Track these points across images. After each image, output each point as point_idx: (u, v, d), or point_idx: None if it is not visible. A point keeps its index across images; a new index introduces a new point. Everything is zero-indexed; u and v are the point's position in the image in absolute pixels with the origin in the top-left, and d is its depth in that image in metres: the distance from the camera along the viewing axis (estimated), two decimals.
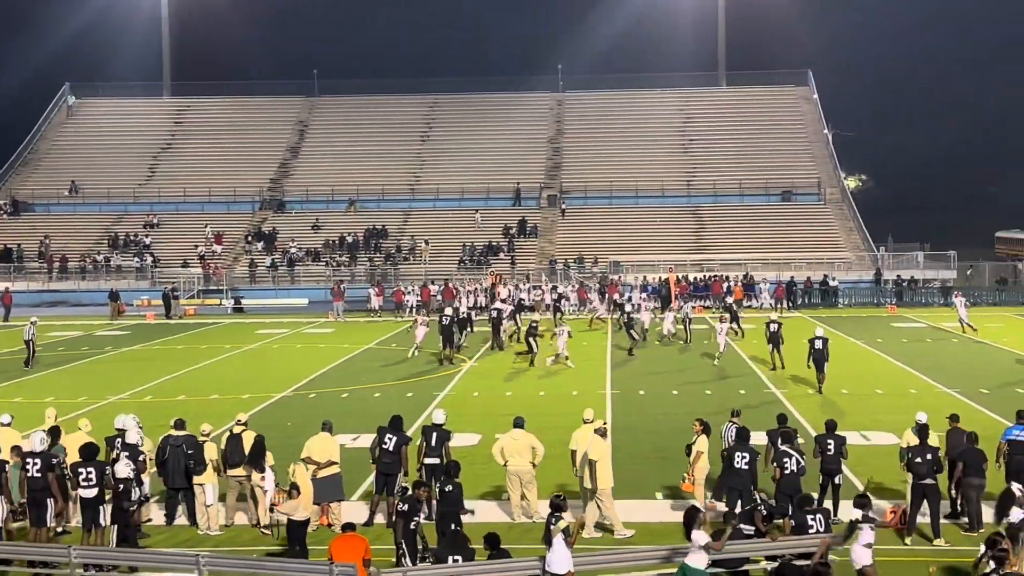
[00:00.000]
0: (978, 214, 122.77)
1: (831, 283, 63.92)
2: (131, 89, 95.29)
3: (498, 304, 49.83)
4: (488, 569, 15.31)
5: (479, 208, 78.96)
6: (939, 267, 71.07)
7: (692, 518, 15.30)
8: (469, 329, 45.72)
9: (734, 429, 20.62)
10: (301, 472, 18.98)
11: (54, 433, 20.14)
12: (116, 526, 18.22)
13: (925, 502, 18.98)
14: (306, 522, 17.86)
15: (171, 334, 52.71)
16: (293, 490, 17.75)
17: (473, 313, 48.88)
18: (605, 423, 20.65)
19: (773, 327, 38.51)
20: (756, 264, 68.27)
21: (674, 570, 15.93)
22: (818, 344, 34.05)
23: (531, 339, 40.68)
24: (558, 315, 53.28)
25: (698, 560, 14.97)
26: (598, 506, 19.59)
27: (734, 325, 45.72)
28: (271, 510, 19.80)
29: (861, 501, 15.99)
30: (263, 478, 20.06)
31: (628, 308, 47.28)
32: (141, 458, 19.37)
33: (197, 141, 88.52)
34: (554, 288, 59.09)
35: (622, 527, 19.50)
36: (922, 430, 19.58)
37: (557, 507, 16.04)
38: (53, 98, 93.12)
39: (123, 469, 18.21)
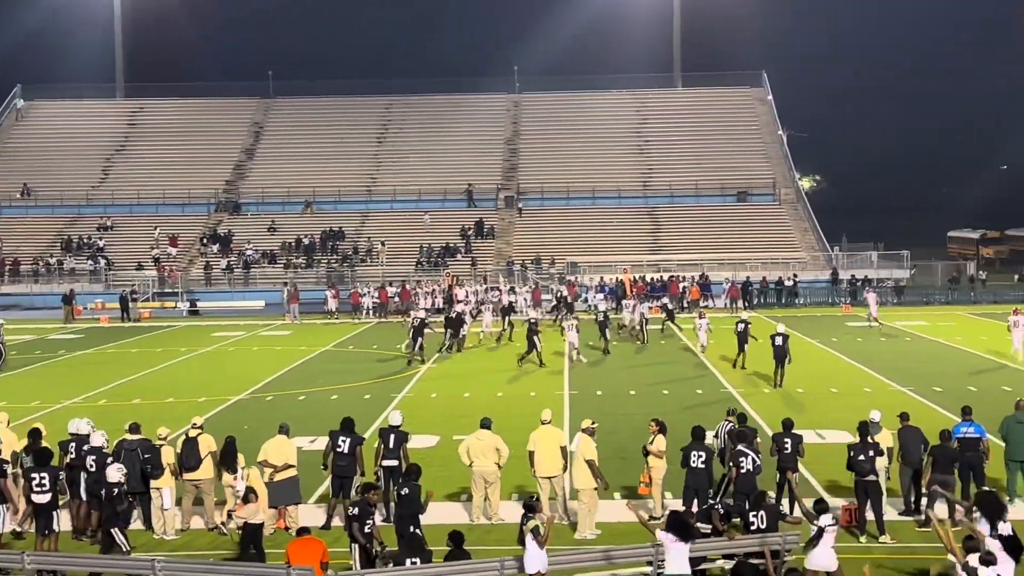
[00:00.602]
0: (930, 214, 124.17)
1: (789, 282, 64.32)
2: (83, 91, 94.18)
3: (459, 306, 49.98)
4: (446, 571, 15.28)
5: (436, 209, 78.73)
6: (892, 266, 71.51)
7: (687, 526, 15.20)
8: (464, 330, 45.67)
9: (730, 427, 20.87)
10: (256, 476, 18.92)
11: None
12: (111, 530, 18.04)
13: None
14: (262, 525, 17.83)
15: (125, 337, 52.24)
16: (250, 494, 17.66)
17: (466, 313, 48.96)
18: (594, 423, 20.74)
19: (741, 326, 38.91)
20: (712, 264, 68.47)
21: (647, 570, 16.06)
22: (779, 340, 34.64)
23: (534, 337, 40.63)
24: (563, 312, 52.90)
25: (683, 566, 15.05)
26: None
27: (669, 323, 48.09)
28: (229, 516, 19.78)
29: (821, 507, 16.05)
30: (235, 479, 20.04)
31: (603, 307, 47.45)
32: (110, 461, 19.27)
33: (151, 143, 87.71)
34: (509, 289, 59.31)
35: (593, 528, 19.65)
36: (862, 427, 19.82)
37: (530, 508, 16.08)
38: (4, 100, 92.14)
39: (114, 474, 18.18)
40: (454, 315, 46.09)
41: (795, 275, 66.15)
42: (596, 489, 19.77)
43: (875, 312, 51.37)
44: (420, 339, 41.17)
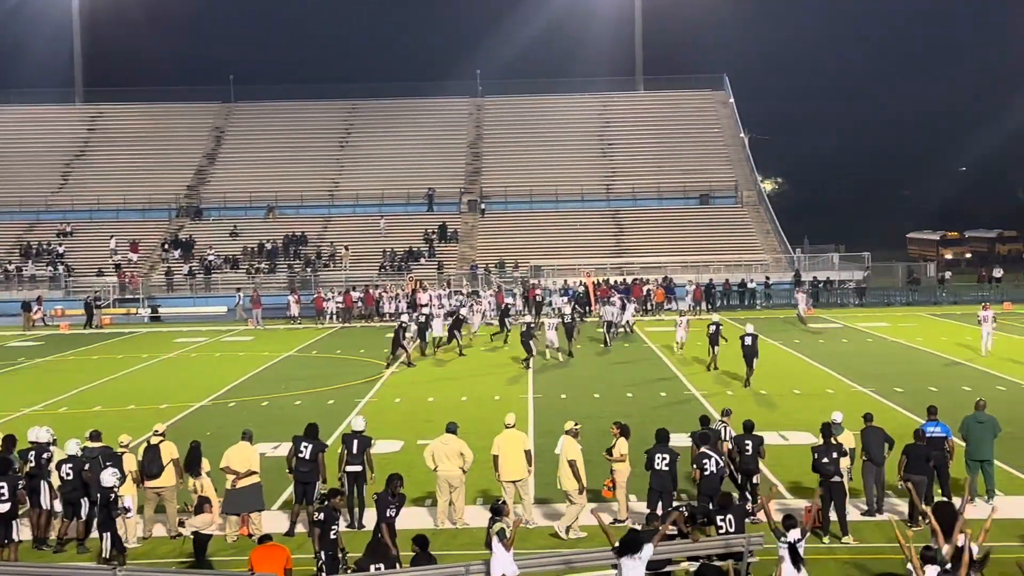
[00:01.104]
0: (891, 215, 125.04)
1: (751, 284, 64.63)
2: (42, 96, 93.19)
3: (427, 310, 50.06)
4: None
5: (399, 213, 78.73)
6: (853, 268, 72.04)
7: (636, 544, 15.01)
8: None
9: (725, 429, 21.06)
10: (209, 485, 18.82)
11: None
12: (107, 534, 18.09)
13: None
14: (211, 537, 17.74)
15: (86, 344, 51.84)
16: (204, 504, 17.55)
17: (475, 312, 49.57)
18: (578, 424, 20.79)
19: (712, 328, 39.23)
20: (675, 267, 68.51)
21: (611, 573, 16.09)
22: (748, 340, 35.18)
23: (529, 342, 40.86)
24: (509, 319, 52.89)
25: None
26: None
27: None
28: (181, 524, 19.74)
29: (790, 522, 15.68)
30: (200, 484, 19.97)
31: (567, 311, 47.45)
32: (87, 466, 19.36)
33: (111, 148, 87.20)
34: (470, 293, 59.31)
35: (576, 530, 19.64)
36: (826, 429, 19.98)
37: (496, 511, 16.06)
38: None
39: (109, 478, 18.19)
40: (422, 319, 46.26)
41: (767, 278, 66.71)
42: (583, 488, 19.82)
43: (803, 311, 52.54)
44: (421, 340, 41.70)
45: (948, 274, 72.75)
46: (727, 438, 21.00)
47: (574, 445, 19.99)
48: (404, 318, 46.41)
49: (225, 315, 64.01)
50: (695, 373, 38.15)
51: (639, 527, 16.78)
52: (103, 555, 18.16)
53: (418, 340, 44.63)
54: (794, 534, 15.03)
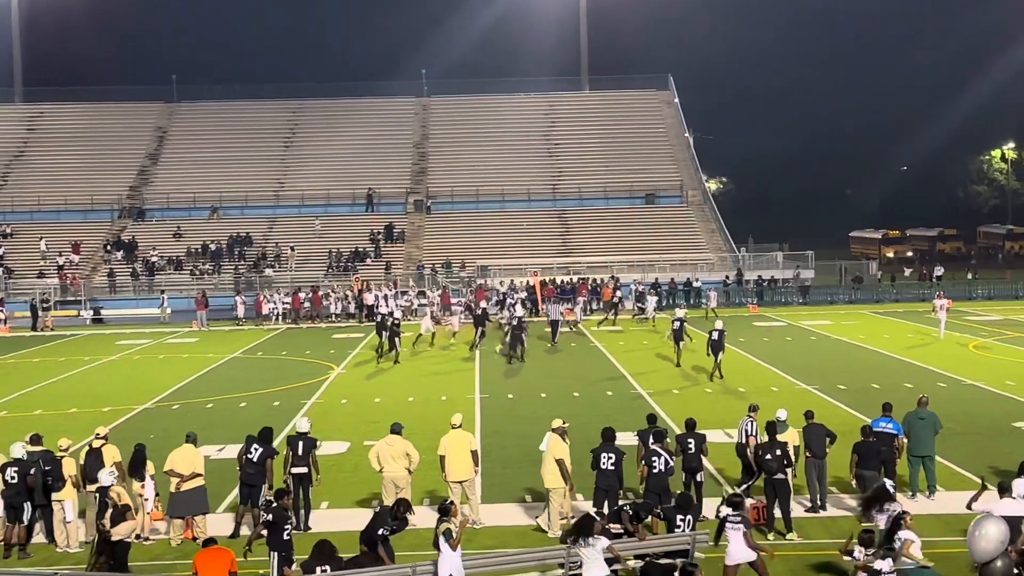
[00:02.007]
0: (834, 214, 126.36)
1: (698, 284, 65.10)
2: None
3: (386, 308, 50.22)
4: None
5: (345, 214, 78.44)
6: (796, 266, 72.13)
7: (588, 525, 15.38)
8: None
9: (751, 424, 21.24)
10: (124, 493, 18.52)
11: None
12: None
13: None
14: (130, 545, 17.53)
15: (26, 347, 51.04)
16: (127, 511, 17.30)
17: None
18: (566, 422, 20.82)
19: (677, 324, 39.82)
20: (621, 266, 68.78)
21: (558, 572, 16.14)
22: (715, 335, 36.15)
23: (521, 336, 41.84)
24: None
25: (599, 570, 15.14)
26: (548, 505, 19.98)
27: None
28: (98, 530, 19.53)
29: (734, 500, 16.22)
30: (143, 487, 19.83)
31: (520, 312, 47.48)
32: (32, 471, 19.26)
33: (51, 148, 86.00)
34: (418, 293, 59.17)
35: (556, 530, 19.65)
36: (769, 427, 20.16)
37: (444, 511, 16.04)
38: None
39: (106, 478, 18.04)
40: (379, 318, 46.41)
41: (727, 276, 67.27)
42: (565, 489, 19.79)
43: (651, 313, 53.47)
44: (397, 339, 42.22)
45: (906, 272, 73.95)
46: (753, 433, 21.17)
47: (560, 443, 19.95)
48: (397, 314, 46.20)
49: (169, 317, 63.41)
50: (642, 373, 38.27)
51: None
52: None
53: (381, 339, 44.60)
54: (725, 509, 15.45)
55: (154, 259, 71.37)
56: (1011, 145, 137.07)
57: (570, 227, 77.95)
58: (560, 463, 19.68)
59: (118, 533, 17.03)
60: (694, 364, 39.01)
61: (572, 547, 14.87)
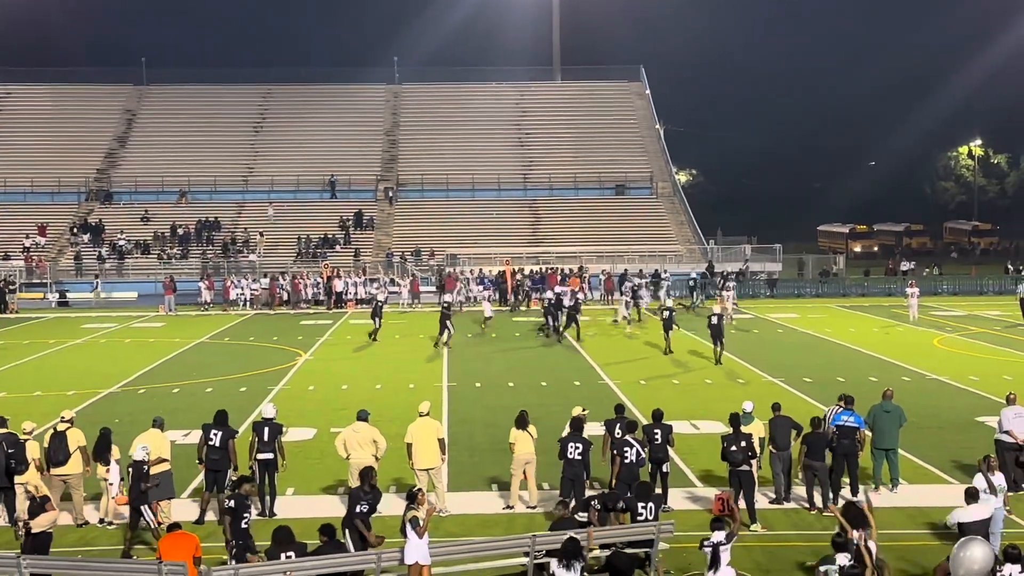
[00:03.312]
0: (802, 209, 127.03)
1: (666, 276, 65.25)
2: None
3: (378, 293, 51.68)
4: (323, 564, 15.14)
5: (315, 200, 78.40)
6: (765, 259, 72.80)
7: (576, 549, 14.96)
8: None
9: (834, 411, 21.31)
10: (43, 485, 18.32)
11: None
12: (146, 508, 18.19)
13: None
14: (51, 536, 17.32)
15: None
16: (47, 503, 17.12)
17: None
18: (585, 410, 20.94)
19: (666, 314, 40.57)
20: (591, 257, 68.94)
21: (523, 560, 16.22)
22: (714, 320, 37.91)
23: (447, 321, 42.07)
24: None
25: None
26: None
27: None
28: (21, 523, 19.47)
29: (717, 525, 15.51)
30: (108, 471, 19.74)
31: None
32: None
33: (18, 130, 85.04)
34: (389, 281, 59.18)
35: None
36: (733, 419, 20.26)
37: (412, 498, 16.05)
38: None
39: (139, 452, 18.45)
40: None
41: (708, 270, 66.59)
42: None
43: (646, 304, 53.55)
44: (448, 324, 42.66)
45: (898, 264, 74.23)
46: (829, 419, 21.17)
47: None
48: (381, 297, 48.71)
49: (136, 301, 63.22)
50: (609, 364, 38.32)
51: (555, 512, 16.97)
52: (151, 529, 18.16)
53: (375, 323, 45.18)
54: (719, 535, 14.99)
55: (121, 243, 70.94)
56: (978, 142, 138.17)
57: (540, 217, 77.98)
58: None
59: (38, 525, 16.85)
60: (674, 358, 39.31)
61: (556, 568, 14.76)
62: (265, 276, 61.22)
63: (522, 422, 20.86)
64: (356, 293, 59.33)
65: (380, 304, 46.59)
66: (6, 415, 20.87)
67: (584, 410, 20.92)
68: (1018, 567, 13.82)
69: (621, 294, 54.18)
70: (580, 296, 51.70)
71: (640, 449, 19.45)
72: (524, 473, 20.67)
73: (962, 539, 14.71)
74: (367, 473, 17.48)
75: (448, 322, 42.04)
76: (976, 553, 14.04)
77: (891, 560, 16.32)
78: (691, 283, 60.99)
